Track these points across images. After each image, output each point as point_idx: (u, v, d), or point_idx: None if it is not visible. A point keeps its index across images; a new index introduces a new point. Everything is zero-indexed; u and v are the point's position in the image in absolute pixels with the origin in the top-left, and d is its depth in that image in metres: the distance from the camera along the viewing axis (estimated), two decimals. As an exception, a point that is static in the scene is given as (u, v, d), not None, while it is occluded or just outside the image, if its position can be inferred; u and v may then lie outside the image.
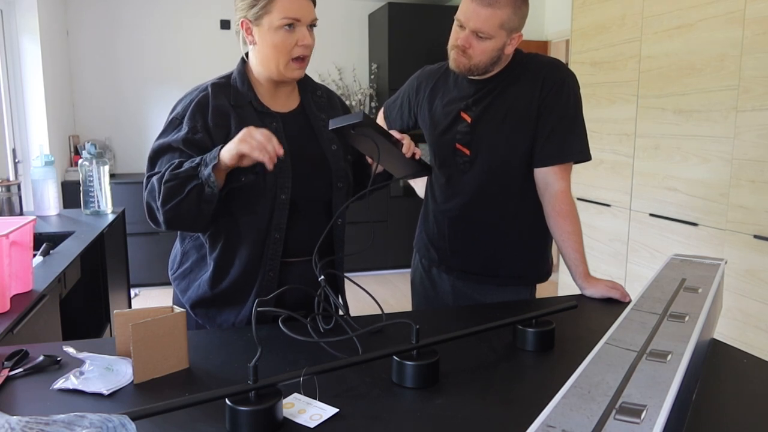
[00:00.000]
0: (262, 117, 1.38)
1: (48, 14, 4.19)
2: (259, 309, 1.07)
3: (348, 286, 1.46)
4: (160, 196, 1.25)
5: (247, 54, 1.42)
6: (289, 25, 1.31)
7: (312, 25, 1.35)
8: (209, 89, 1.37)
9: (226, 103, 1.36)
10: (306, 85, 1.49)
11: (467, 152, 1.60)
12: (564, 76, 1.55)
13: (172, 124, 1.35)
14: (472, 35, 1.48)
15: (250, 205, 1.34)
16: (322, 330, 1.23)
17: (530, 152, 1.57)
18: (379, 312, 1.31)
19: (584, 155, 1.58)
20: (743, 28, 2.38)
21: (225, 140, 1.27)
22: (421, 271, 1.78)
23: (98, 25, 4.84)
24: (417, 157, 1.38)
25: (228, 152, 1.21)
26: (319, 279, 1.27)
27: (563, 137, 1.54)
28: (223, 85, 1.39)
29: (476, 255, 1.65)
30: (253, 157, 1.19)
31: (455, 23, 1.53)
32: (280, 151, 1.21)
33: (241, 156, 1.20)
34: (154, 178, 1.29)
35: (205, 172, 1.22)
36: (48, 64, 4.10)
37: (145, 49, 4.95)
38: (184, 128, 1.32)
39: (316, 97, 1.50)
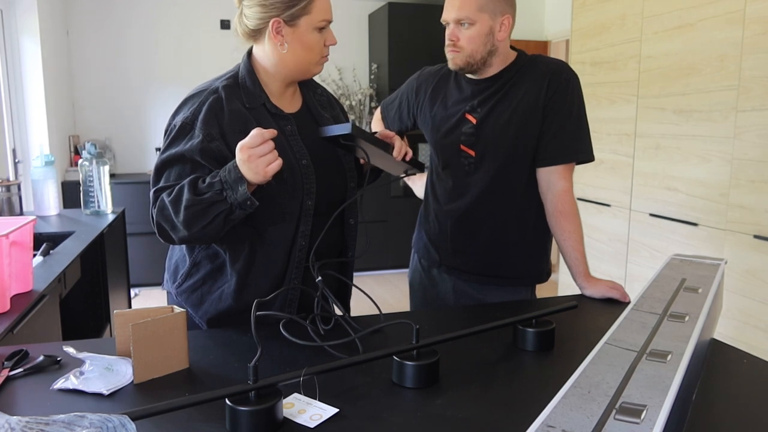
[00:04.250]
0: (277, 119, 1.33)
1: (48, 14, 4.19)
2: (259, 313, 1.06)
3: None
4: (182, 220, 1.19)
5: (249, 53, 1.36)
6: (323, 27, 1.31)
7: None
8: (222, 91, 1.28)
9: (241, 106, 1.29)
10: (307, 83, 1.45)
11: (472, 153, 1.60)
12: (569, 77, 1.56)
13: (183, 131, 1.25)
14: (457, 27, 1.52)
15: (277, 213, 1.29)
16: (322, 332, 1.22)
17: (532, 152, 1.57)
18: (377, 312, 1.31)
19: (588, 155, 1.59)
20: (743, 28, 2.37)
21: None
22: (421, 272, 1.78)
23: (98, 25, 4.84)
24: (408, 158, 1.37)
25: (258, 179, 1.16)
26: (317, 280, 1.25)
27: (568, 137, 1.55)
28: (232, 86, 1.31)
29: (479, 255, 1.65)
30: (271, 175, 1.16)
31: (445, 28, 1.56)
32: (275, 132, 1.17)
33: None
34: (165, 197, 1.22)
35: (239, 197, 1.16)
36: (48, 64, 4.10)
37: (145, 49, 4.95)
38: (198, 135, 1.23)
39: (317, 95, 1.47)
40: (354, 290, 1.46)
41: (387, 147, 1.34)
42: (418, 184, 1.86)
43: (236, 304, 1.32)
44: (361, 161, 1.44)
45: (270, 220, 1.29)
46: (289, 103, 1.40)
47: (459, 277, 1.68)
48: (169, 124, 1.29)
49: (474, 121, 1.59)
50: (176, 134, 1.26)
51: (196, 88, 1.32)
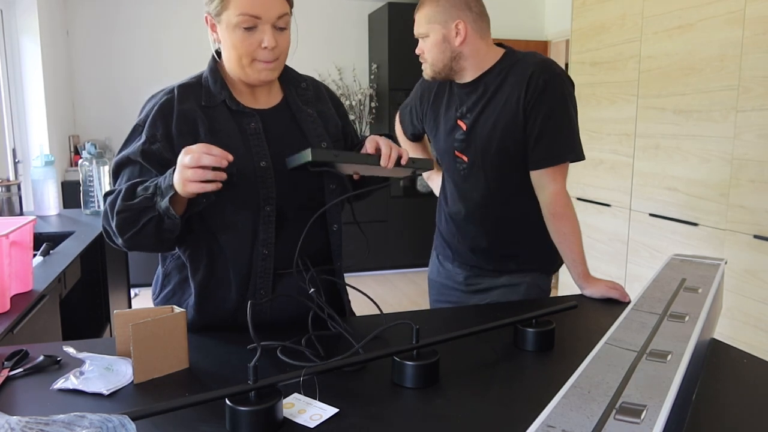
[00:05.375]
0: (238, 117, 1.24)
1: (48, 14, 4.19)
2: (263, 344, 1.03)
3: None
4: (114, 226, 1.15)
5: (218, 52, 1.30)
6: (249, 26, 1.17)
7: (279, 26, 1.20)
8: (175, 91, 1.23)
9: (194, 106, 1.22)
10: (288, 77, 1.35)
11: (465, 159, 1.62)
12: (548, 77, 1.51)
13: (135, 132, 1.22)
14: (422, 42, 1.59)
15: (229, 221, 1.22)
16: (322, 353, 1.12)
17: (523, 155, 1.56)
18: (378, 312, 1.30)
19: (575, 156, 1.55)
20: (743, 28, 2.37)
21: None
22: (438, 266, 1.83)
23: (98, 25, 4.84)
24: (403, 162, 1.22)
25: (180, 190, 1.09)
26: (310, 292, 1.20)
27: (552, 139, 1.52)
28: (192, 85, 1.25)
29: (487, 253, 1.68)
30: (208, 191, 1.08)
31: None
32: (225, 162, 1.07)
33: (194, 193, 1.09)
34: (107, 201, 1.18)
35: (162, 205, 1.10)
36: (48, 64, 4.10)
37: (145, 49, 4.95)
38: (142, 137, 1.20)
39: (301, 90, 1.35)
40: (354, 291, 1.44)
41: (370, 159, 1.21)
42: (435, 183, 1.90)
43: (199, 317, 1.26)
44: (355, 177, 1.33)
45: (223, 228, 1.21)
46: (265, 99, 1.31)
47: (470, 272, 1.71)
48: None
49: (464, 127, 1.61)
50: (129, 135, 1.24)
51: (162, 88, 1.28)
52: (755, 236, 2.36)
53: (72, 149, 4.70)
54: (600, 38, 3.24)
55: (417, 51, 1.61)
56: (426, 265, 1.88)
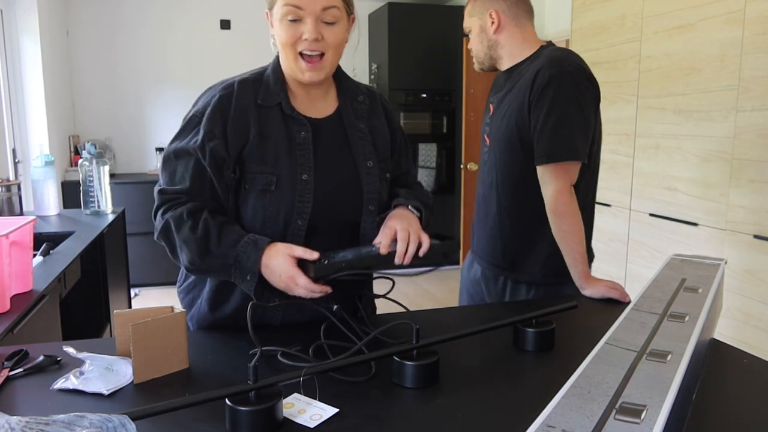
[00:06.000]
0: (290, 122, 1.22)
1: (48, 14, 4.19)
2: (264, 349, 1.02)
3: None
4: (182, 262, 1.18)
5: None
6: (294, 18, 1.16)
7: (326, 20, 1.17)
8: (235, 86, 1.21)
9: (251, 102, 1.20)
10: (347, 88, 1.32)
11: (488, 142, 1.69)
12: (554, 73, 1.50)
13: (191, 123, 1.21)
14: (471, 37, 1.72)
15: (258, 228, 1.20)
16: (331, 357, 1.09)
17: (527, 148, 1.57)
18: (388, 312, 1.30)
19: (573, 155, 1.52)
20: (743, 28, 2.37)
21: (242, 150, 1.18)
22: (469, 259, 1.87)
23: (98, 25, 4.84)
24: (422, 253, 1.15)
25: (275, 285, 1.15)
26: (335, 308, 1.17)
27: (550, 137, 1.52)
28: (253, 80, 1.23)
29: (493, 248, 1.69)
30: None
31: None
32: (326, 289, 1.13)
33: None
34: (171, 222, 1.17)
35: (246, 288, 1.16)
36: (48, 64, 4.10)
37: (145, 49, 4.95)
38: (201, 132, 1.18)
39: (357, 102, 1.32)
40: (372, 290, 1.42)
41: (381, 261, 1.13)
42: None
43: (212, 315, 1.27)
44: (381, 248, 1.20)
45: (250, 231, 1.18)
46: (320, 107, 1.28)
47: (482, 265, 1.74)
48: (188, 112, 1.25)
49: (491, 110, 1.69)
50: (184, 125, 1.22)
51: (221, 81, 1.26)
52: (755, 236, 2.36)
53: (72, 149, 4.70)
54: (600, 38, 3.24)
55: (468, 46, 1.77)
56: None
